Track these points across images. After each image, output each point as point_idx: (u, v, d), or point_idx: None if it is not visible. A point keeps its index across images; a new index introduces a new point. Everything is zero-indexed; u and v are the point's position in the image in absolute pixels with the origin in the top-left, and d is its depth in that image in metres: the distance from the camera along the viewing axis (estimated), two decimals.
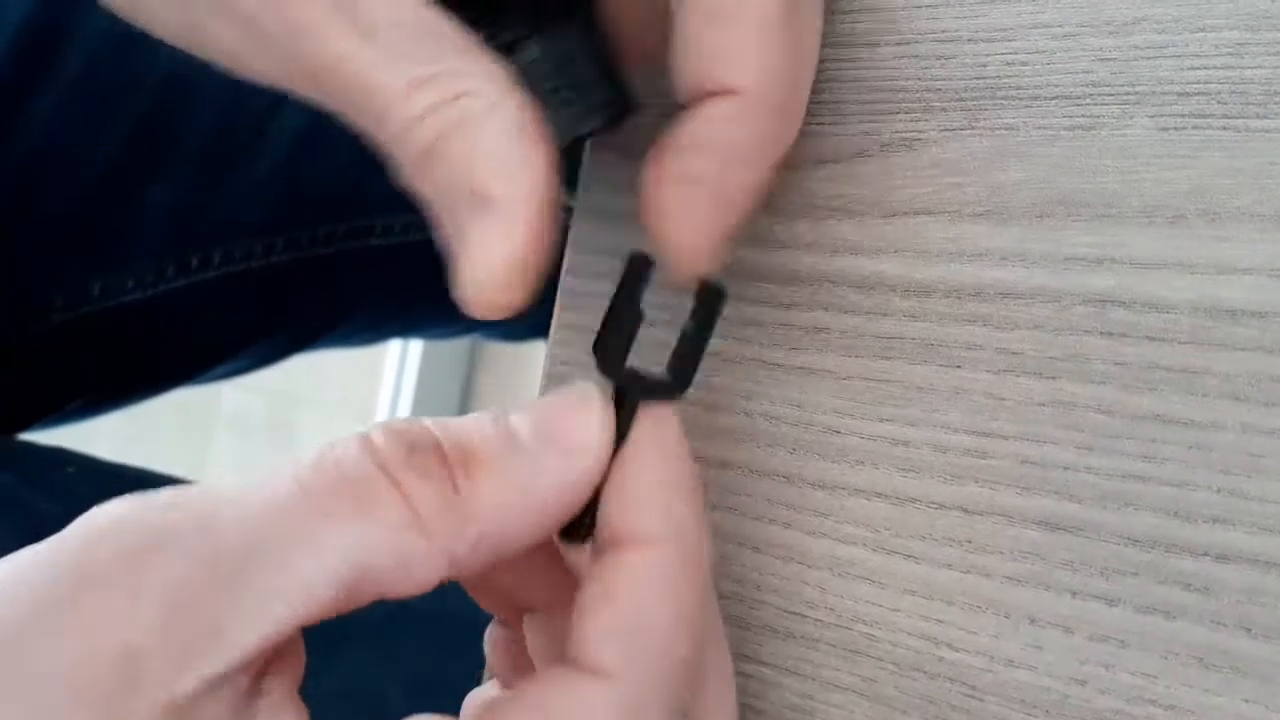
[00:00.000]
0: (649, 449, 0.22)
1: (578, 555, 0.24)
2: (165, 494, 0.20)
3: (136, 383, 0.58)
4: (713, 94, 0.23)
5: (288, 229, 0.56)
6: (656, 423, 0.22)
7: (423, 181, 0.23)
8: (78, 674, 0.18)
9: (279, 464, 0.20)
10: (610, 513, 0.22)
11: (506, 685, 0.27)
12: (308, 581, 0.19)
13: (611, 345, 0.22)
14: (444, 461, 0.21)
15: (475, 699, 0.26)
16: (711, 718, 0.23)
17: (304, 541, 0.19)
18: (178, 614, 0.18)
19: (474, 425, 0.21)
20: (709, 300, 0.23)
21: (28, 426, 0.55)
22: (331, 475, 0.20)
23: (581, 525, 0.22)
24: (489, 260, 0.22)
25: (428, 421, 0.21)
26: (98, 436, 0.57)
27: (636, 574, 0.21)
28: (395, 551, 0.20)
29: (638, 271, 0.22)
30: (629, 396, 0.22)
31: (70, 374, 0.55)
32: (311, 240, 0.57)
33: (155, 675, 0.18)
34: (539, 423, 0.21)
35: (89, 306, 0.52)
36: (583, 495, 0.21)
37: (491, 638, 0.27)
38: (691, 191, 0.23)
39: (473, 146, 0.22)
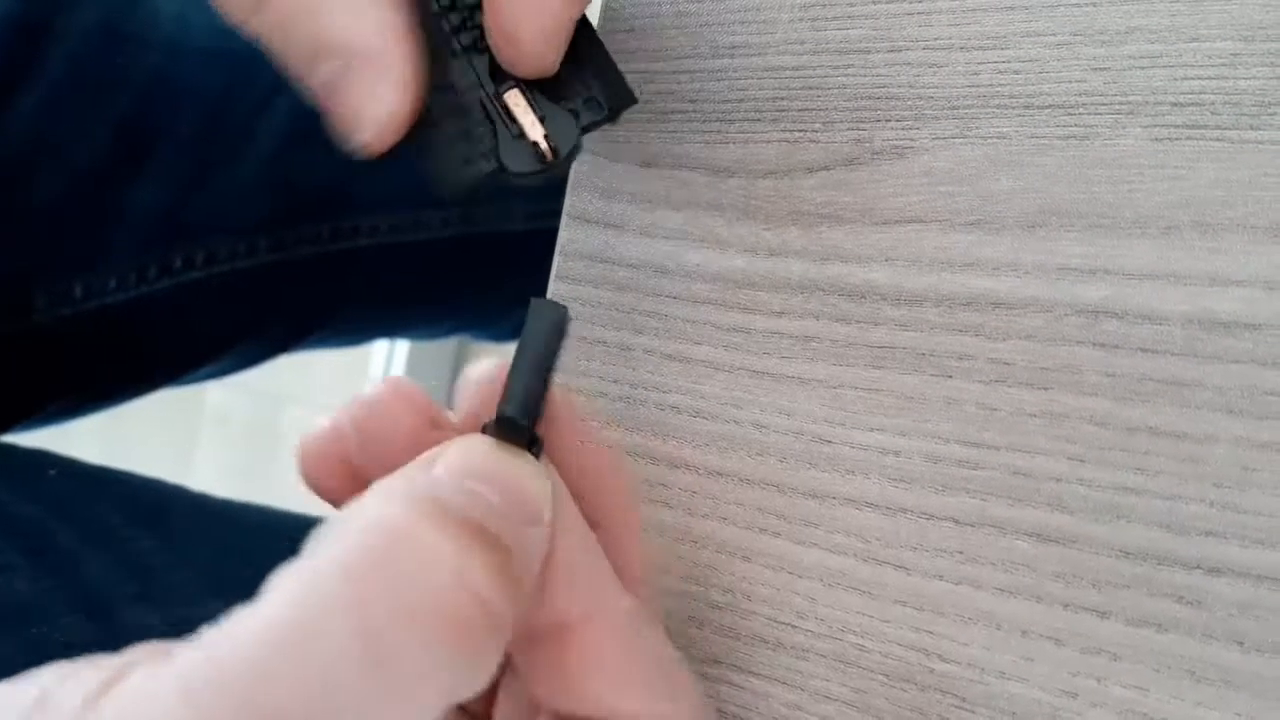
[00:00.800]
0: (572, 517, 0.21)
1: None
2: None
3: (119, 384, 0.58)
4: None
5: (272, 230, 0.56)
6: (556, 478, 0.22)
7: (255, 29, 0.21)
8: None
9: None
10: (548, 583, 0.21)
11: None
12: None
13: (530, 405, 0.22)
14: (507, 557, 0.19)
15: None
16: None
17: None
18: None
19: (482, 506, 0.19)
20: (553, 325, 0.22)
21: (8, 428, 0.54)
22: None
23: None
24: (374, 107, 0.21)
25: (446, 496, 0.19)
26: (81, 435, 0.57)
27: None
28: (486, 669, 0.18)
29: (539, 324, 0.22)
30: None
31: (51, 375, 0.54)
32: (296, 241, 0.57)
33: None
34: (505, 493, 0.20)
35: (71, 307, 0.52)
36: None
37: None
38: None
39: (310, 1, 0.21)
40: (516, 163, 0.24)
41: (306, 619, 0.17)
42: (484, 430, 0.21)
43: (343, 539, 0.18)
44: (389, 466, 0.21)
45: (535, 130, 0.24)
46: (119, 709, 0.16)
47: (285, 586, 0.17)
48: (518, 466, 0.20)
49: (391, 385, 0.22)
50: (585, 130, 0.25)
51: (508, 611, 0.18)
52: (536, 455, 0.21)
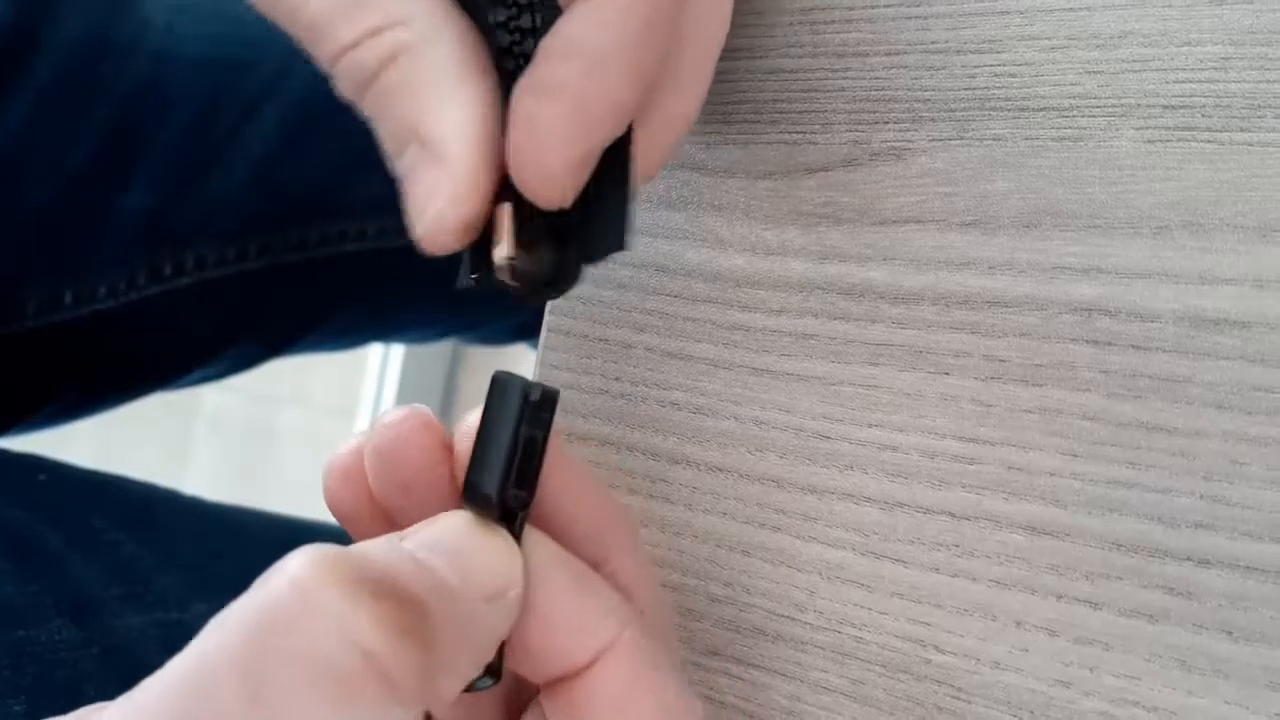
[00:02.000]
0: (557, 573, 0.21)
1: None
2: None
3: (111, 389, 0.58)
4: None
5: (261, 235, 0.56)
6: (541, 544, 0.21)
7: (364, 109, 0.22)
8: None
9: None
10: (533, 643, 0.21)
11: None
12: None
13: (489, 474, 0.21)
14: (414, 617, 0.19)
15: None
16: None
17: None
18: None
19: (405, 568, 0.19)
20: (543, 407, 0.22)
21: (1, 433, 0.54)
22: (311, 686, 0.17)
23: (493, 667, 0.21)
24: (432, 205, 0.21)
25: (386, 574, 0.19)
26: (76, 439, 0.57)
27: (603, 689, 0.20)
28: None
29: (503, 398, 0.21)
30: (513, 522, 0.21)
31: (44, 380, 0.54)
32: (285, 246, 0.57)
33: None
34: (465, 569, 0.20)
35: (61, 314, 0.52)
36: (503, 637, 0.21)
37: None
38: (550, 105, 0.21)
39: (409, 83, 0.21)
40: (488, 278, 0.22)
41: (203, 667, 0.17)
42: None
43: (257, 591, 0.18)
44: (403, 492, 0.22)
45: (501, 251, 0.22)
46: None
47: (200, 636, 0.18)
48: (483, 544, 0.20)
49: (409, 411, 0.22)
50: (560, 270, 0.23)
51: (408, 671, 0.18)
52: (518, 525, 0.21)
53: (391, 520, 0.23)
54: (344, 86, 0.22)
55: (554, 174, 0.21)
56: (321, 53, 0.21)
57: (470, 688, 0.21)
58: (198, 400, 1.53)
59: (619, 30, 0.20)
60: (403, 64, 0.21)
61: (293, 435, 1.44)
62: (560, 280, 0.23)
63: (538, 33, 0.23)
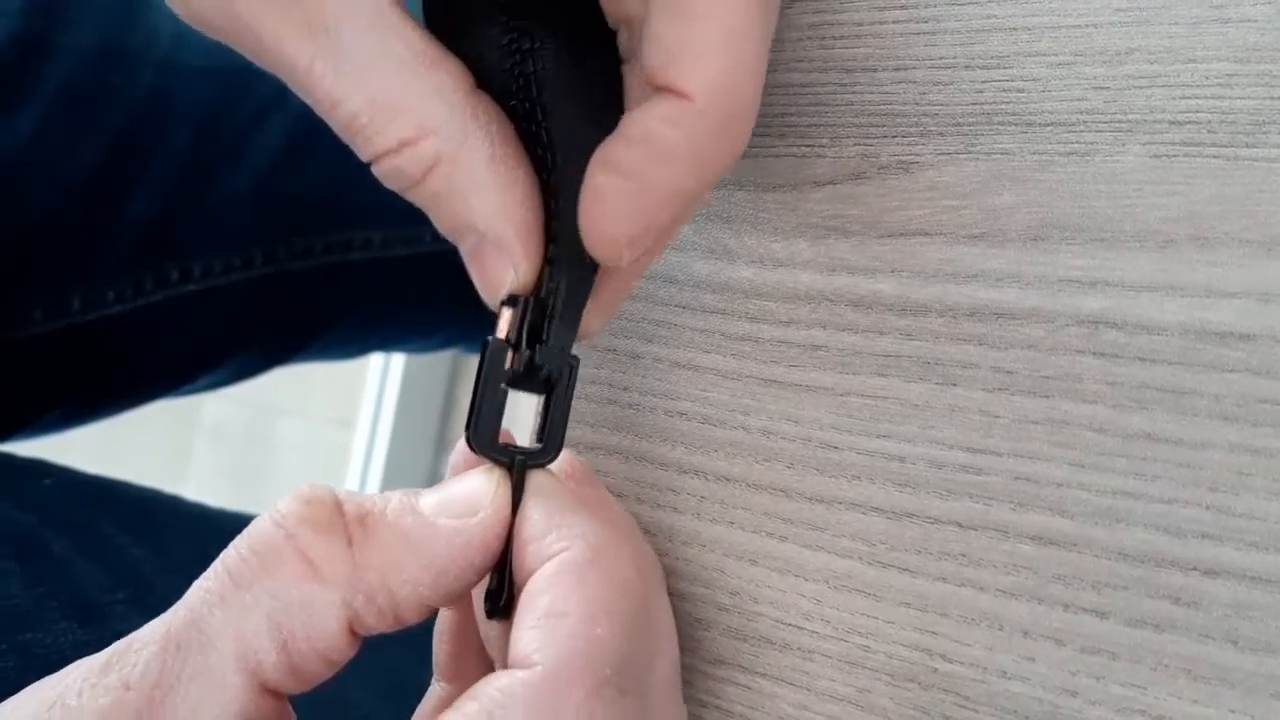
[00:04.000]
0: (535, 498, 0.24)
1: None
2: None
3: (114, 396, 0.58)
4: (664, 90, 0.23)
5: (265, 243, 0.57)
6: (541, 480, 0.25)
7: (412, 200, 0.24)
8: None
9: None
10: (517, 561, 0.24)
11: (448, 678, 0.28)
12: (242, 652, 0.22)
13: (482, 428, 0.24)
14: (339, 515, 0.23)
15: (421, 711, 0.27)
16: (660, 692, 0.24)
17: (230, 616, 0.22)
18: None
19: (378, 496, 0.24)
20: (569, 373, 0.25)
21: (5, 438, 0.55)
22: (244, 549, 0.23)
23: (500, 596, 0.24)
24: (505, 285, 0.24)
25: (336, 490, 0.24)
26: (78, 447, 0.57)
27: (547, 577, 0.23)
28: (300, 600, 0.22)
29: (494, 357, 0.24)
30: (516, 469, 0.25)
31: (48, 385, 0.55)
32: (289, 254, 0.58)
33: None
34: (439, 498, 0.24)
35: (68, 319, 0.52)
36: (479, 556, 0.24)
37: (440, 628, 0.29)
38: (618, 183, 0.23)
39: (454, 187, 0.23)
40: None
41: None
42: None
43: None
44: None
45: (501, 330, 0.25)
46: None
47: None
48: (462, 477, 0.25)
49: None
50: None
51: (328, 555, 0.23)
52: (516, 466, 0.25)
53: None
54: (386, 182, 0.24)
55: (616, 242, 0.24)
56: (359, 151, 0.24)
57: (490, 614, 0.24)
58: (198, 410, 1.53)
59: (690, 130, 0.22)
60: (444, 170, 0.23)
61: (292, 445, 1.44)
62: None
63: (535, 54, 0.24)
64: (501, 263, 0.24)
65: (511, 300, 0.25)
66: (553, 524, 0.24)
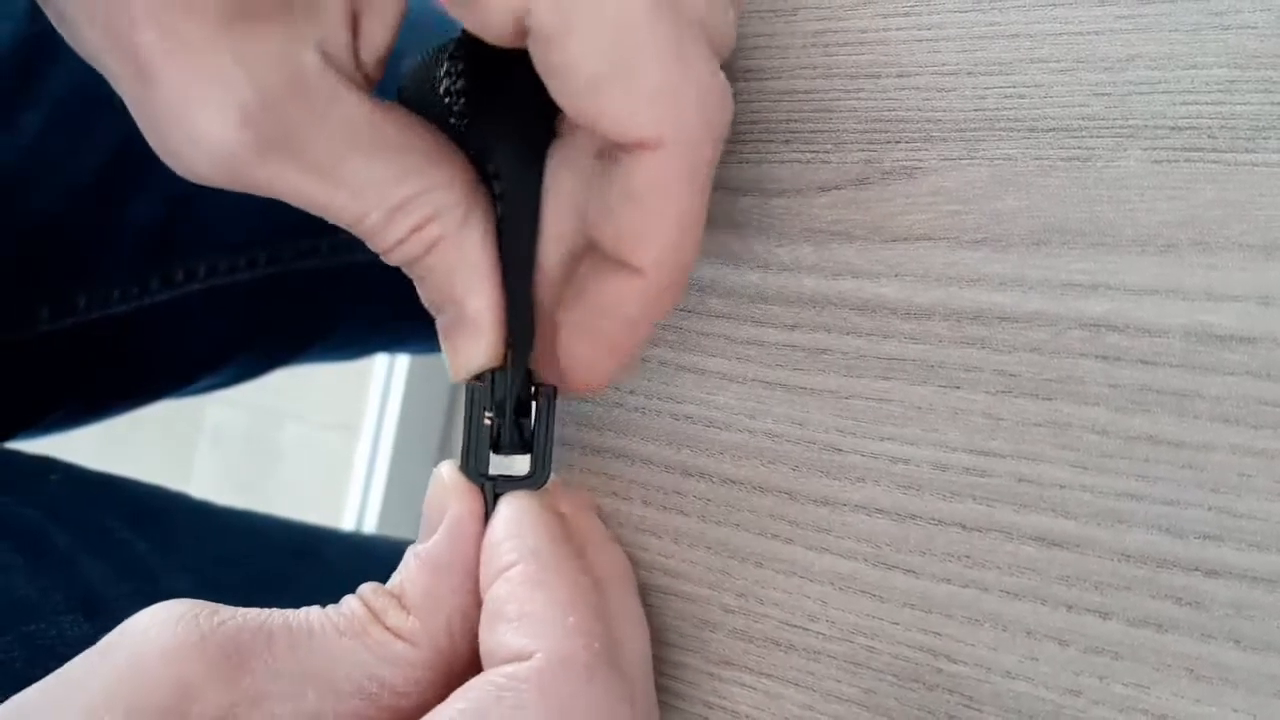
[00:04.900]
0: (501, 511, 0.26)
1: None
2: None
3: (117, 396, 0.59)
4: (620, 263, 0.24)
5: (270, 243, 0.57)
6: (513, 497, 0.27)
7: (405, 270, 0.26)
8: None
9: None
10: (481, 567, 0.26)
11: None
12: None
13: (470, 457, 0.27)
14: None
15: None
16: (638, 671, 0.26)
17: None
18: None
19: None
20: (547, 403, 0.27)
21: (10, 436, 0.55)
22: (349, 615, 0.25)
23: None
24: (471, 362, 0.26)
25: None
26: (80, 450, 0.57)
27: (508, 585, 0.25)
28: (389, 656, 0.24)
29: (475, 398, 0.27)
30: (489, 491, 0.27)
31: (54, 384, 0.55)
32: (294, 255, 0.58)
33: None
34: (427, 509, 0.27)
35: (74, 318, 0.53)
36: (452, 554, 0.26)
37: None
38: (590, 336, 0.25)
39: (448, 265, 0.25)
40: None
41: None
42: None
43: None
44: None
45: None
46: None
47: None
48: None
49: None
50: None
51: None
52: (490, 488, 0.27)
53: None
54: (386, 259, 0.26)
55: (600, 384, 0.26)
56: (373, 246, 0.25)
57: None
58: (200, 414, 1.54)
59: (642, 297, 0.24)
60: (442, 250, 0.25)
61: (295, 450, 1.44)
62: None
63: (469, 93, 0.26)
64: (476, 345, 0.26)
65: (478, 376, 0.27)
66: (509, 533, 0.25)
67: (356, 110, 0.23)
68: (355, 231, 0.25)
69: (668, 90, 0.22)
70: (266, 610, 0.24)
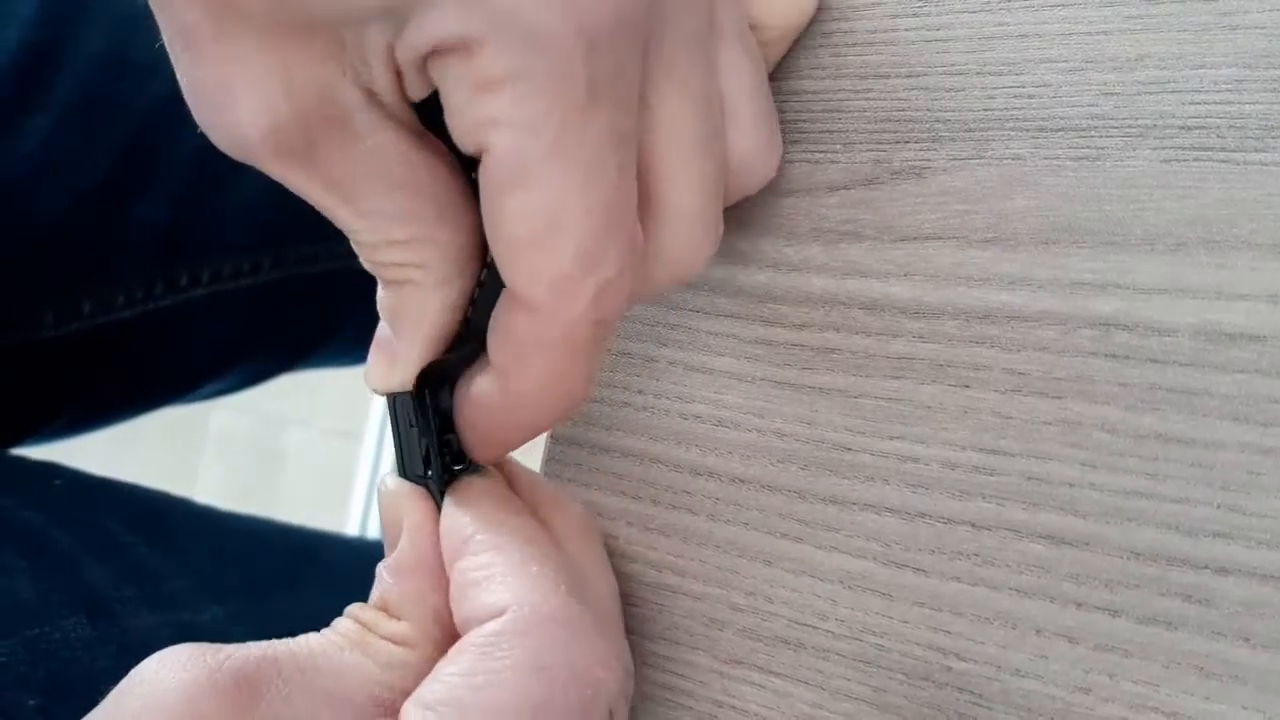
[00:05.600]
0: (450, 499, 0.27)
1: None
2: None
3: (122, 401, 0.59)
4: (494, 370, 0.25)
5: (275, 247, 0.57)
6: (453, 489, 0.27)
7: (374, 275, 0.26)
8: None
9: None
10: (445, 555, 0.27)
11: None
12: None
13: (405, 461, 0.27)
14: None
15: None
16: (605, 609, 0.28)
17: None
18: None
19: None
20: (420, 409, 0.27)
21: (17, 442, 0.55)
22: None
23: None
24: (378, 382, 0.27)
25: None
26: (85, 457, 0.57)
27: (474, 562, 0.25)
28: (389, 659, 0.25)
29: (405, 408, 0.27)
30: (434, 487, 0.27)
31: (60, 389, 0.55)
32: (299, 259, 0.58)
33: None
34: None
35: (79, 323, 0.53)
36: (418, 555, 0.26)
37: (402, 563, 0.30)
38: (483, 450, 0.27)
39: (404, 305, 0.25)
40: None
41: None
42: None
43: None
44: None
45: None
46: None
47: None
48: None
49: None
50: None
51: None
52: (420, 478, 0.27)
53: None
54: (359, 259, 0.26)
55: (492, 459, 0.27)
56: (351, 239, 0.25)
57: None
58: (205, 420, 1.54)
59: (497, 424, 0.26)
60: (408, 292, 0.25)
61: (299, 456, 1.44)
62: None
63: None
64: (390, 374, 0.26)
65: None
66: (461, 515, 0.26)
67: (394, 149, 0.23)
68: (342, 231, 0.25)
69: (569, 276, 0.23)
70: (266, 642, 0.24)
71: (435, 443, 0.27)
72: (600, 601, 0.27)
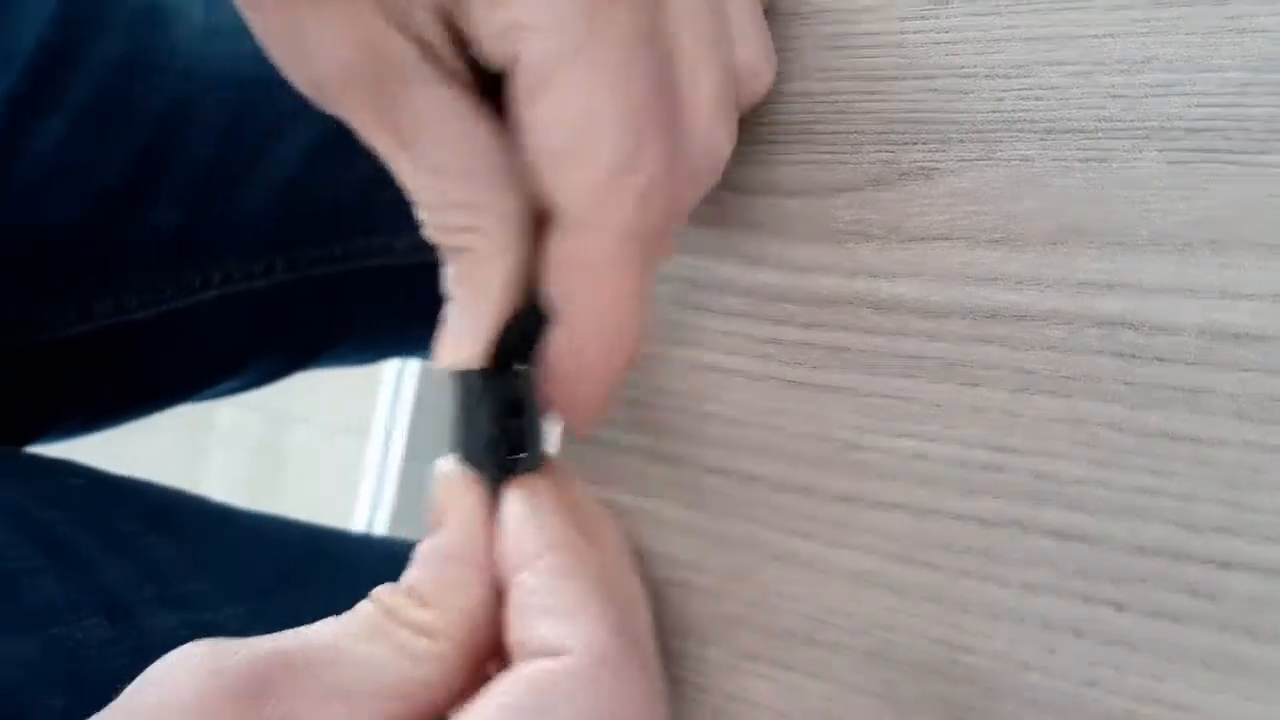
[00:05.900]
0: (509, 501, 0.26)
1: None
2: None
3: (133, 401, 0.59)
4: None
5: (286, 249, 0.57)
6: (520, 488, 0.26)
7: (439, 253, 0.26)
8: None
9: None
10: (499, 559, 0.26)
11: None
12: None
13: (464, 448, 0.27)
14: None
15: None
16: (647, 639, 0.27)
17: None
18: None
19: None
20: (528, 383, 0.27)
21: (26, 442, 0.55)
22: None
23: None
24: (461, 351, 0.26)
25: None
26: (92, 454, 0.58)
27: (538, 577, 0.25)
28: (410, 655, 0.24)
29: (471, 389, 0.26)
30: (491, 479, 0.26)
31: (68, 390, 0.55)
32: (310, 261, 0.58)
33: None
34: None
35: (90, 324, 0.53)
36: (464, 545, 0.26)
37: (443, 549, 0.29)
38: (571, 412, 0.27)
39: (466, 275, 0.25)
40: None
41: None
42: None
43: None
44: None
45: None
46: None
47: None
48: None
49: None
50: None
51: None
52: (478, 466, 0.26)
53: None
54: (423, 226, 0.26)
55: (583, 427, 0.27)
56: (413, 203, 0.25)
57: None
58: (211, 417, 1.54)
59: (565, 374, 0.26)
60: (467, 260, 0.25)
61: (306, 453, 1.45)
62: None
63: None
64: (458, 349, 0.26)
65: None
66: (527, 523, 0.25)
67: (450, 104, 0.24)
68: (405, 190, 0.25)
69: (613, 179, 0.23)
70: (279, 634, 0.24)
71: (495, 426, 0.26)
72: (643, 636, 0.27)
